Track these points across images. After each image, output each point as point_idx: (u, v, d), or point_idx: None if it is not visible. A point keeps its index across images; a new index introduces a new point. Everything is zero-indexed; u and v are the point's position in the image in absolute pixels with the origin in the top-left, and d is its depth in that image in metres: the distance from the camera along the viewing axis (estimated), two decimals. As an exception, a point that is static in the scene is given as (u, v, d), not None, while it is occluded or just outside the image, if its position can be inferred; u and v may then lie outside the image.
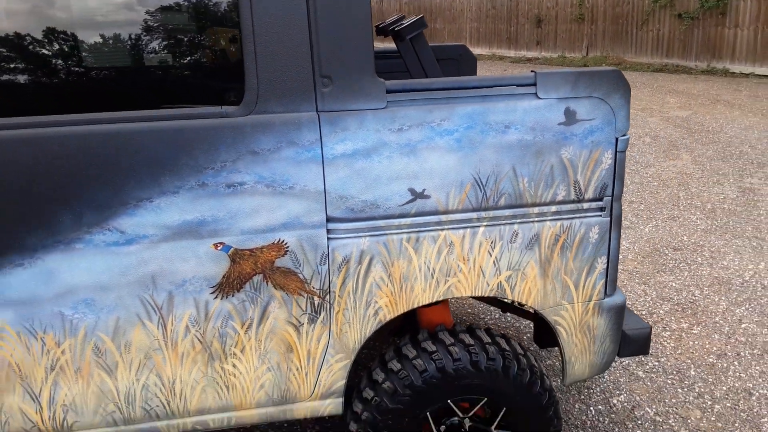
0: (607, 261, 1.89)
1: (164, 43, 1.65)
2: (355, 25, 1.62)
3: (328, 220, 1.70)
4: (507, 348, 1.92)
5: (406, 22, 2.37)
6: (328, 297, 1.76)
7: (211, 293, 1.70)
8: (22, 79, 1.57)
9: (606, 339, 2.00)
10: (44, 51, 1.58)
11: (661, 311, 3.62)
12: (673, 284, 3.95)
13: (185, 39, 1.66)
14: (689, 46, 13.88)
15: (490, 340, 1.92)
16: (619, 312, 1.99)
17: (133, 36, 1.63)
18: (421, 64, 2.32)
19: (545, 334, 2.22)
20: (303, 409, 1.87)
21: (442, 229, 1.77)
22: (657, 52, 14.78)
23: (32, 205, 1.54)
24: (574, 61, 16.24)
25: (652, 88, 11.22)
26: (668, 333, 3.38)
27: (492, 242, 1.80)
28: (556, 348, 2.92)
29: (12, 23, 1.55)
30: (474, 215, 1.77)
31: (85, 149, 1.54)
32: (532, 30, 17.65)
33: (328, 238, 1.71)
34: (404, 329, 2.87)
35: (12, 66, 1.56)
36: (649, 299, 3.77)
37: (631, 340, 2.05)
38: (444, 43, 3.13)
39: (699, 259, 4.30)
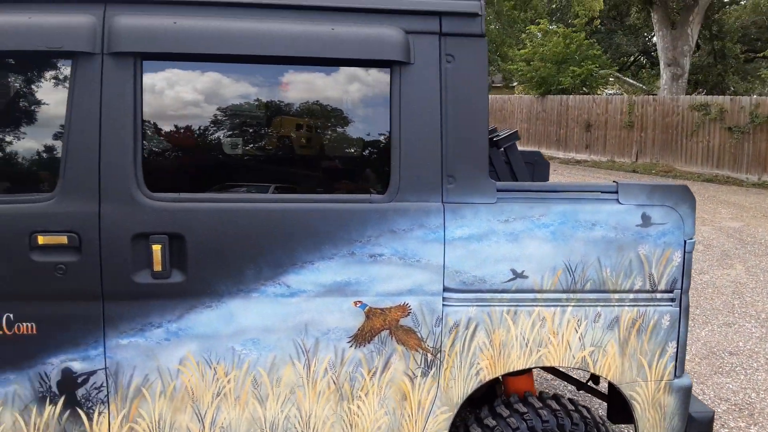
0: (677, 345, 2.21)
1: (334, 144, 2.16)
2: (474, 139, 2.10)
3: (445, 289, 2.10)
4: (588, 416, 2.22)
5: (503, 134, 2.87)
6: (439, 355, 2.13)
7: (348, 342, 2.09)
8: (241, 158, 2.12)
9: (675, 417, 2.27)
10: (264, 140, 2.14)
11: (718, 410, 3.78)
12: (730, 386, 4.11)
13: (348, 144, 2.18)
14: (740, 158, 14.17)
15: (573, 408, 2.23)
16: (687, 393, 2.27)
17: (316, 134, 2.17)
18: (512, 168, 2.79)
19: (618, 410, 2.49)
20: (408, 451, 2.18)
21: (536, 305, 2.14)
22: (707, 163, 15.10)
23: (227, 260, 2.01)
24: (624, 166, 16.70)
25: (703, 197, 11.47)
26: (726, 431, 3.54)
27: (578, 320, 2.16)
28: (624, 426, 3.13)
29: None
30: (564, 296, 2.14)
31: (270, 220, 2.01)
32: (581, 134, 18.33)
33: (443, 305, 2.11)
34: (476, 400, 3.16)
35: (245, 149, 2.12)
36: (707, 398, 3.93)
37: (696, 422, 2.31)
38: (522, 149, 3.62)
39: (755, 364, 4.45)
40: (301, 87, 2.15)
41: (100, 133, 1.94)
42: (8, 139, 2.01)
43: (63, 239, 1.93)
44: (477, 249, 2.10)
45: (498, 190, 2.12)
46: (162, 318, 2.02)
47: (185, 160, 2.16)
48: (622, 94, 22.31)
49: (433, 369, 2.13)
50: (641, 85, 25.31)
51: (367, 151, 2.22)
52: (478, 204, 2.10)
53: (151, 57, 1.98)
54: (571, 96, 19.02)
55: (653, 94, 19.55)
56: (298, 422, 2.11)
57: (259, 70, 2.09)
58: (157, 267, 1.97)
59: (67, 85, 1.95)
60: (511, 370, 2.18)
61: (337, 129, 2.20)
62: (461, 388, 2.16)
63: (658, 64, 18.45)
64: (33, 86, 2.03)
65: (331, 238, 2.04)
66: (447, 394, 2.15)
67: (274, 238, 2.02)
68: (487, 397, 3.05)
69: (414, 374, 2.13)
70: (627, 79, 25.58)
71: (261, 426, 2.10)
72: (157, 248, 1.97)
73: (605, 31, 26.36)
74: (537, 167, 3.61)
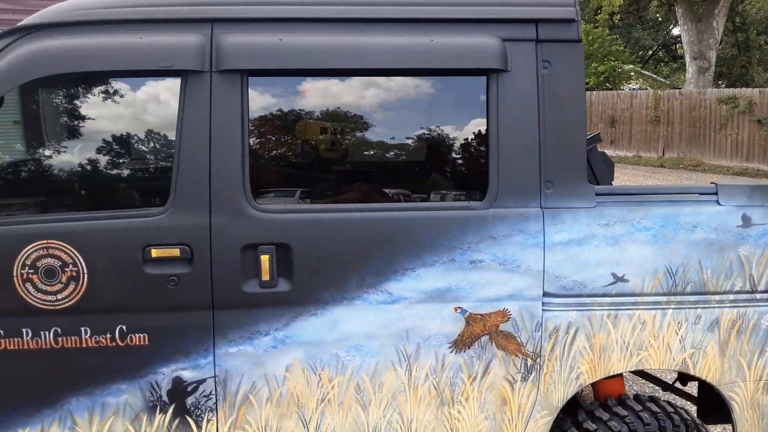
0: None
1: (432, 152, 2.18)
2: (572, 144, 2.10)
3: (544, 294, 2.10)
4: (688, 418, 2.21)
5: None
6: (539, 359, 2.13)
7: (448, 348, 2.10)
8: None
9: None
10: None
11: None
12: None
13: (445, 152, 2.20)
14: (770, 151, 13.99)
15: (673, 410, 2.22)
16: None
17: (415, 143, 2.18)
18: (592, 170, 2.78)
19: (708, 410, 2.47)
20: (507, 456, 2.19)
21: (636, 309, 2.14)
22: (736, 156, 14.91)
23: (331, 269, 2.03)
24: (650, 161, 16.55)
25: (738, 191, 11.28)
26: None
27: (679, 323, 2.15)
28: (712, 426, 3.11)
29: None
30: (664, 299, 2.13)
31: (373, 230, 2.04)
32: (605, 129, 18.18)
33: (543, 310, 2.11)
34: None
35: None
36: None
37: None
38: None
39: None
40: (398, 96, 2.17)
41: (210, 149, 1.97)
42: (122, 156, 2.06)
43: (175, 252, 1.97)
44: (577, 253, 2.09)
45: (597, 194, 2.12)
46: (269, 326, 2.05)
47: (290, 173, 2.19)
48: (645, 89, 22.06)
49: (533, 374, 2.14)
50: (664, 80, 25.04)
51: (465, 158, 2.23)
52: (578, 208, 2.10)
53: (257, 74, 2.01)
54: (594, 92, 18.87)
55: (678, 88, 19.31)
56: (400, 427, 2.13)
57: (359, 81, 2.11)
58: (265, 276, 2.00)
59: (177, 102, 1.98)
60: (611, 374, 2.18)
61: (435, 137, 2.21)
62: (561, 392, 2.16)
63: (679, 58, 18.17)
64: (144, 104, 2.07)
65: (431, 245, 2.05)
66: (547, 398, 2.16)
67: (377, 247, 2.04)
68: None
69: (514, 379, 2.14)
70: (649, 73, 25.33)
71: (364, 431, 2.12)
72: (265, 258, 2.00)
73: (623, 26, 26.10)
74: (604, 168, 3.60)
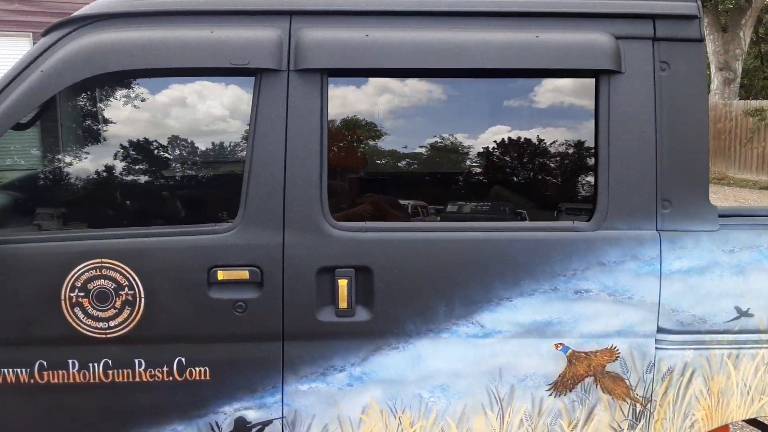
0: None
1: (529, 164, 1.93)
2: (693, 157, 1.84)
3: (658, 330, 1.84)
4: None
5: None
6: (649, 405, 1.86)
7: (547, 390, 1.84)
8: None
9: None
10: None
11: None
12: None
13: (545, 164, 1.94)
14: (799, 165, 13.63)
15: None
16: None
17: (511, 153, 1.93)
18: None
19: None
20: None
21: (761, 348, 1.86)
22: (763, 170, 14.54)
23: (417, 296, 1.78)
24: (675, 173, 16.17)
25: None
26: None
27: None
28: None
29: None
30: (793, 337, 1.86)
31: (465, 252, 1.78)
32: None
33: (656, 348, 1.84)
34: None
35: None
36: None
37: None
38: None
39: None
40: (490, 99, 1.92)
41: (285, 158, 1.73)
42: (185, 164, 1.82)
43: (244, 274, 1.73)
44: (697, 284, 1.83)
45: (720, 216, 1.85)
46: (345, 360, 1.79)
47: (369, 186, 1.94)
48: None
49: (642, 421, 1.87)
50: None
51: (568, 172, 1.98)
52: (699, 232, 1.83)
53: (339, 73, 1.77)
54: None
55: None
56: None
57: (449, 84, 1.87)
58: (342, 304, 1.75)
59: (249, 105, 1.75)
60: (728, 422, 1.91)
61: (535, 147, 1.96)
62: (673, 442, 1.89)
63: (705, 69, 17.88)
64: (211, 106, 1.84)
65: (531, 271, 1.79)
66: (656, 449, 1.89)
67: (469, 272, 1.78)
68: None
69: (620, 427, 1.87)
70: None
71: (449, 482, 1.86)
72: (343, 283, 1.75)
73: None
74: None
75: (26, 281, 1.68)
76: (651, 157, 1.82)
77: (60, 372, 1.72)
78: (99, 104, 1.85)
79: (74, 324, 1.70)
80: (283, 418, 1.79)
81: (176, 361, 1.75)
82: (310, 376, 1.79)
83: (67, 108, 1.83)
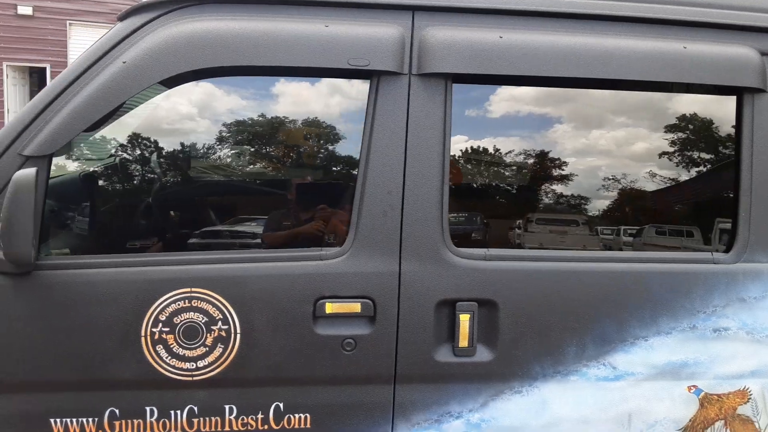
0: None
1: (668, 188, 1.75)
2: None
3: (792, 371, 1.69)
4: None
5: None
6: (779, 450, 1.72)
7: (676, 437, 1.67)
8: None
9: None
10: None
11: None
12: None
13: (684, 188, 1.77)
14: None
15: None
16: None
17: (644, 174, 1.75)
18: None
19: None
20: None
21: None
22: None
23: (546, 334, 1.57)
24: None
25: None
26: None
27: None
28: None
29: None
30: None
31: (601, 285, 1.59)
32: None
33: (789, 390, 1.70)
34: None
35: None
36: None
37: None
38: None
39: None
40: (623, 112, 1.73)
41: (404, 173, 1.50)
42: (283, 179, 1.57)
43: (356, 307, 1.49)
44: None
45: None
46: (462, 406, 1.58)
47: (492, 208, 1.73)
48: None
49: (772, 467, 1.72)
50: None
51: (704, 197, 1.81)
52: None
53: (465, 79, 1.55)
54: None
55: None
56: None
57: (583, 94, 1.67)
58: (463, 342, 1.54)
59: (362, 110, 1.51)
60: None
61: (668, 169, 1.77)
62: (800, 489, 1.75)
63: None
64: (313, 112, 1.59)
65: (671, 307, 1.61)
66: (784, 497, 1.74)
67: (606, 308, 1.59)
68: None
69: (747, 474, 1.72)
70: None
71: None
72: (465, 318, 1.53)
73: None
74: None
75: (99, 314, 1.40)
76: None
77: (135, 422, 1.45)
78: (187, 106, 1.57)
79: (155, 364, 1.43)
80: (390, 471, 1.57)
81: (273, 406, 1.49)
82: (423, 424, 1.57)
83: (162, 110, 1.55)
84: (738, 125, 1.67)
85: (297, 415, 1.51)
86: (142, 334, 1.42)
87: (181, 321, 1.43)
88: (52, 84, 1.43)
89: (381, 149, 1.50)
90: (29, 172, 1.26)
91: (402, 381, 1.54)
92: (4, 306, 1.38)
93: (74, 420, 1.43)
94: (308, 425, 1.51)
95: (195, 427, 1.47)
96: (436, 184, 1.52)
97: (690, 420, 1.67)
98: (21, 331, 1.39)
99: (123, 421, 1.44)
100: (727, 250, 1.68)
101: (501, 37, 1.53)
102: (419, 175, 1.52)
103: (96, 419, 1.44)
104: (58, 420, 1.43)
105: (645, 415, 1.65)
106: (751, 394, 1.69)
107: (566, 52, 1.55)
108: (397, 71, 1.50)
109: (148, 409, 1.45)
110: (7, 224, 1.24)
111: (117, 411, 1.44)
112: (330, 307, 1.48)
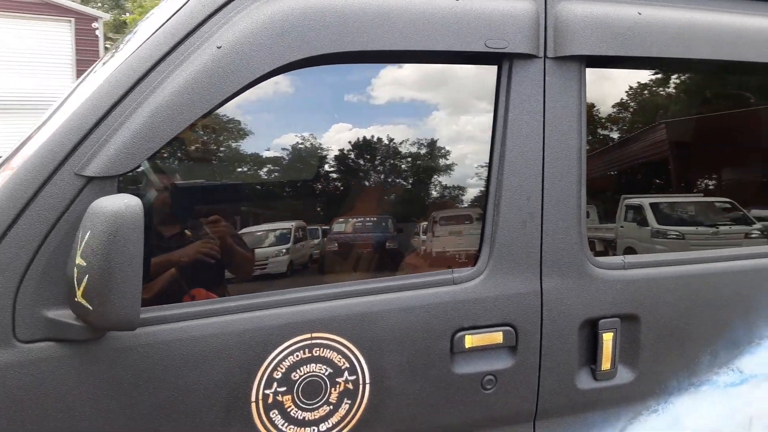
0: None
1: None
2: None
3: None
4: None
5: None
6: None
7: (788, 435, 1.61)
8: None
9: None
10: None
11: None
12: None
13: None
14: None
15: None
16: None
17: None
18: None
19: None
20: None
21: None
22: None
23: (684, 346, 1.42)
24: None
25: None
26: None
27: None
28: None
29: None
30: None
31: (734, 286, 1.46)
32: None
33: None
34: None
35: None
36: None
37: None
38: None
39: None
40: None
41: (542, 174, 1.27)
42: (397, 186, 1.28)
43: (497, 337, 1.24)
44: None
45: None
46: None
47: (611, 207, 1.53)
48: None
49: None
50: None
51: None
52: None
53: (600, 62, 1.33)
54: None
55: None
56: None
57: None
58: (606, 364, 1.35)
59: (491, 105, 1.24)
60: None
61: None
62: None
63: None
64: (427, 105, 1.29)
65: (790, 303, 1.53)
66: None
67: (737, 310, 1.47)
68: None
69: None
70: None
71: None
72: (608, 338, 1.34)
73: None
74: None
75: (195, 379, 1.05)
76: None
77: None
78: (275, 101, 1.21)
79: None
80: None
81: None
82: (568, 460, 1.37)
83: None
84: None
85: None
86: (252, 399, 1.09)
87: (301, 376, 1.11)
88: (108, 80, 1.04)
89: (518, 147, 1.26)
90: (133, 203, 0.88)
91: (542, 417, 1.33)
92: (69, 385, 0.99)
93: None
94: None
95: None
96: (574, 185, 1.31)
97: (798, 416, 1.62)
98: (90, 414, 1.01)
99: None
100: (833, 239, 1.63)
101: (640, 14, 1.33)
102: (558, 175, 1.29)
103: None
104: None
105: (765, 417, 1.57)
106: None
107: (711, 31, 1.38)
108: (533, 53, 1.25)
109: None
110: (106, 276, 0.86)
111: None
112: (470, 341, 1.22)
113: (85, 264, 0.87)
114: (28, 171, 0.99)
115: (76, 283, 0.89)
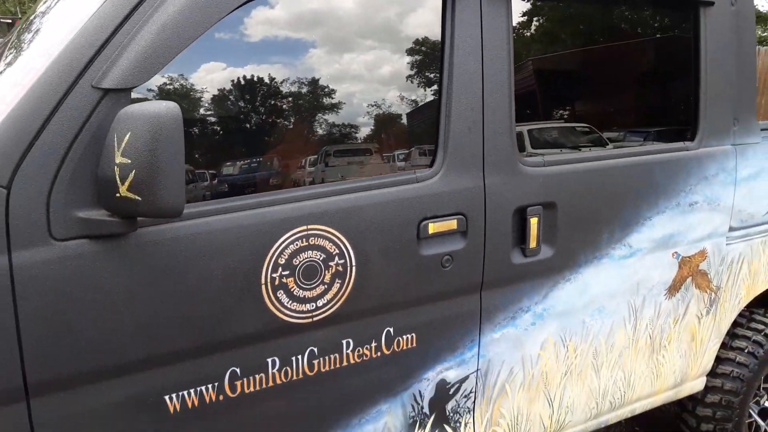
0: None
1: (647, 87, 2.00)
2: (751, 78, 2.14)
3: (729, 229, 2.16)
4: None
5: None
6: (719, 292, 2.21)
7: (664, 295, 2.05)
8: None
9: None
10: None
11: None
12: None
13: (658, 86, 2.04)
14: None
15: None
16: None
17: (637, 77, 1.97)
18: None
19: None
20: (686, 388, 2.27)
21: None
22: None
23: (589, 226, 1.77)
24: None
25: None
26: None
27: None
28: None
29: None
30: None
31: (625, 178, 1.82)
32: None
33: (726, 244, 2.17)
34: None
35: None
36: None
37: None
38: None
39: None
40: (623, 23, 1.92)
41: (482, 86, 1.51)
42: (385, 101, 1.45)
43: (452, 224, 1.51)
44: (753, 187, 2.18)
45: (762, 130, 2.21)
46: (530, 301, 1.73)
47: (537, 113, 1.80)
48: None
49: (714, 306, 2.22)
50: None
51: (674, 95, 2.10)
52: (753, 144, 2.17)
53: None
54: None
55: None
56: (622, 384, 2.03)
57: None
58: (533, 243, 1.67)
59: (446, 19, 1.46)
60: (756, 294, 2.37)
61: (646, 72, 2.03)
62: (728, 319, 2.29)
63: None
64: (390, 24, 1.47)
65: (665, 190, 1.93)
66: (719, 326, 2.26)
67: (627, 198, 1.84)
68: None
69: (701, 314, 2.19)
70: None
71: (595, 396, 1.97)
72: (534, 222, 1.65)
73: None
74: None
75: (217, 267, 1.22)
76: (732, 81, 2.07)
77: (257, 377, 1.32)
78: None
79: (277, 312, 1.30)
80: (477, 371, 1.68)
81: (384, 333, 1.48)
82: (503, 323, 1.69)
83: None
84: (696, 35, 1.99)
85: (405, 336, 1.52)
86: (262, 281, 1.27)
87: (300, 262, 1.31)
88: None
89: (462, 66, 1.49)
90: (172, 105, 1.00)
91: (487, 287, 1.63)
92: (105, 277, 1.12)
93: (191, 391, 1.26)
94: (414, 344, 1.54)
95: (315, 369, 1.39)
96: (506, 98, 1.57)
97: (672, 280, 2.06)
98: (126, 302, 1.15)
99: (244, 380, 1.31)
100: (692, 139, 2.04)
101: None
102: (493, 89, 1.55)
103: (216, 384, 1.28)
104: (173, 396, 1.24)
105: (646, 282, 1.99)
106: (707, 253, 2.13)
107: None
108: None
109: (269, 360, 1.33)
110: (155, 170, 0.98)
111: (238, 370, 1.30)
112: (432, 228, 1.48)
113: (129, 161, 1.00)
114: (48, 85, 1.08)
115: (118, 180, 1.02)
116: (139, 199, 1.01)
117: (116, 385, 1.18)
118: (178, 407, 1.25)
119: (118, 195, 1.04)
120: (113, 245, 1.12)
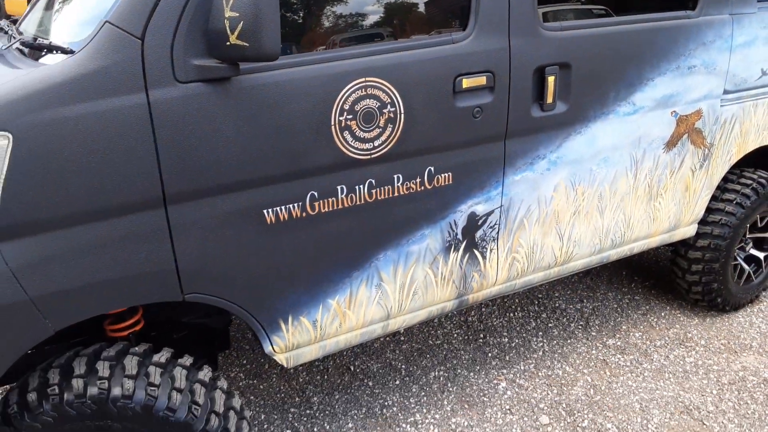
0: None
1: None
2: None
3: (724, 92, 2.43)
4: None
5: None
6: (712, 148, 2.52)
7: (662, 149, 2.36)
8: None
9: None
10: None
11: None
12: None
13: None
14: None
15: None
16: None
17: None
18: None
19: None
20: (679, 233, 2.63)
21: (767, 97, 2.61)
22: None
23: (598, 85, 2.06)
24: None
25: None
26: None
27: None
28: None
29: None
30: (789, 86, 2.63)
31: (631, 42, 2.08)
32: None
33: (720, 106, 2.45)
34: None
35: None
36: None
37: None
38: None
39: None
40: None
41: None
42: None
43: (482, 80, 1.81)
44: (747, 54, 2.43)
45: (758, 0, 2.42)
46: (546, 149, 2.06)
47: None
48: None
49: (707, 161, 2.53)
50: None
51: None
52: (749, 14, 2.39)
53: None
54: None
55: None
56: (623, 225, 2.40)
57: None
58: (549, 99, 1.97)
59: None
60: (746, 152, 2.67)
61: None
62: (720, 173, 2.61)
63: None
64: None
65: (666, 54, 2.19)
66: (711, 179, 2.59)
67: (632, 60, 2.11)
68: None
69: (695, 168, 2.51)
70: None
71: (599, 234, 2.35)
72: (551, 80, 1.94)
73: None
74: None
75: (297, 110, 1.55)
76: None
77: (330, 200, 1.69)
78: None
79: (343, 148, 1.65)
80: (501, 206, 2.04)
81: (427, 171, 1.82)
82: (522, 167, 2.03)
83: None
84: None
85: (443, 175, 1.86)
86: (332, 123, 1.61)
87: (361, 107, 1.63)
88: None
89: None
90: None
91: (511, 136, 1.95)
92: (216, 112, 1.45)
93: (282, 207, 1.63)
94: (450, 181, 1.89)
95: (374, 197, 1.76)
96: None
97: (671, 136, 2.37)
98: (232, 132, 1.49)
99: (321, 201, 1.68)
100: (693, 8, 2.27)
101: None
102: None
103: (300, 203, 1.65)
104: (269, 210, 1.61)
105: (647, 137, 2.30)
106: (702, 113, 2.42)
107: None
108: None
109: (338, 187, 1.69)
110: (259, 21, 1.28)
111: (316, 193, 1.66)
112: (465, 83, 1.78)
113: (237, 14, 1.30)
114: None
115: (229, 30, 1.32)
116: (247, 45, 1.31)
117: (227, 199, 1.55)
118: (273, 219, 1.63)
119: (228, 43, 1.34)
120: (221, 87, 1.45)
